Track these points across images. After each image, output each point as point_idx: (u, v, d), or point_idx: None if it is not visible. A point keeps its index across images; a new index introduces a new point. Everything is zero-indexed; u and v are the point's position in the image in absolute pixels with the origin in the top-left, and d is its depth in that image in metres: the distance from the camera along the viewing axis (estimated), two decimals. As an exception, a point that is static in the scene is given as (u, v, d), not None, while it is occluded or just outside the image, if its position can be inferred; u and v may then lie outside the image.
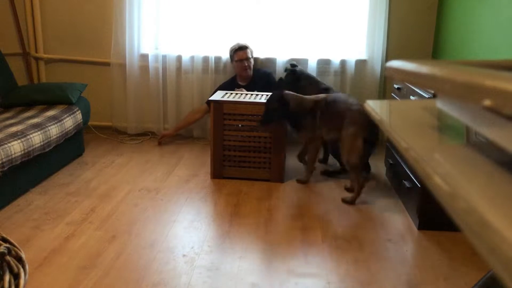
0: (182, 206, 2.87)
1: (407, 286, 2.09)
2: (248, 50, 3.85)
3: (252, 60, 3.87)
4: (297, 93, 3.16)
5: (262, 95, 3.36)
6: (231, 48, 3.89)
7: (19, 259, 1.30)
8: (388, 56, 4.01)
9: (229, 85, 3.87)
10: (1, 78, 3.64)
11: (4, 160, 2.58)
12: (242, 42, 3.90)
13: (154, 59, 4.11)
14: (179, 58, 4.09)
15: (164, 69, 4.14)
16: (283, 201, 2.96)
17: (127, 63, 4.10)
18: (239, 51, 3.83)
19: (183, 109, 4.18)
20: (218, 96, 3.32)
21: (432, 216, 2.58)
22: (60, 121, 3.25)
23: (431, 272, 2.20)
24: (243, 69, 3.82)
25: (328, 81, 3.90)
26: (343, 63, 4.00)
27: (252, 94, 3.39)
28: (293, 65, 3.63)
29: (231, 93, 3.43)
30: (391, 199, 3.03)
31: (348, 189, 3.12)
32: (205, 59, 4.06)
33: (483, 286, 1.21)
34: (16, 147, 2.70)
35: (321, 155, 3.68)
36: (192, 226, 2.61)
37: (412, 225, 2.66)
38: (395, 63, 0.67)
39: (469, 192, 0.42)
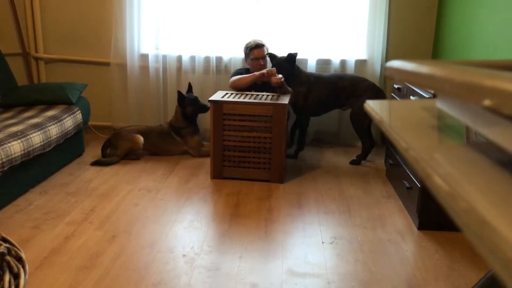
0: (182, 206, 2.86)
1: (407, 286, 2.09)
2: (265, 48, 3.70)
3: (267, 59, 3.71)
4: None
5: (262, 95, 3.36)
6: (247, 45, 3.71)
7: (19, 259, 1.30)
8: (388, 56, 4.00)
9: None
10: (1, 78, 3.64)
11: (4, 160, 2.58)
12: (258, 39, 3.73)
13: (155, 59, 4.11)
14: (179, 58, 4.09)
15: (165, 69, 4.13)
16: (283, 201, 2.96)
17: (128, 63, 4.09)
18: (255, 49, 3.65)
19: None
20: (218, 96, 3.31)
21: (432, 216, 2.57)
22: (60, 121, 3.25)
23: (431, 272, 2.20)
24: (259, 68, 3.63)
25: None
26: (343, 63, 4.00)
27: (252, 94, 3.38)
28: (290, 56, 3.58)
29: (231, 93, 3.42)
30: (391, 199, 3.03)
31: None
32: (206, 59, 4.06)
33: (483, 286, 1.21)
34: (16, 147, 2.70)
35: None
36: (192, 226, 2.61)
37: (412, 225, 2.66)
38: (395, 63, 0.67)
39: (469, 192, 0.42)
